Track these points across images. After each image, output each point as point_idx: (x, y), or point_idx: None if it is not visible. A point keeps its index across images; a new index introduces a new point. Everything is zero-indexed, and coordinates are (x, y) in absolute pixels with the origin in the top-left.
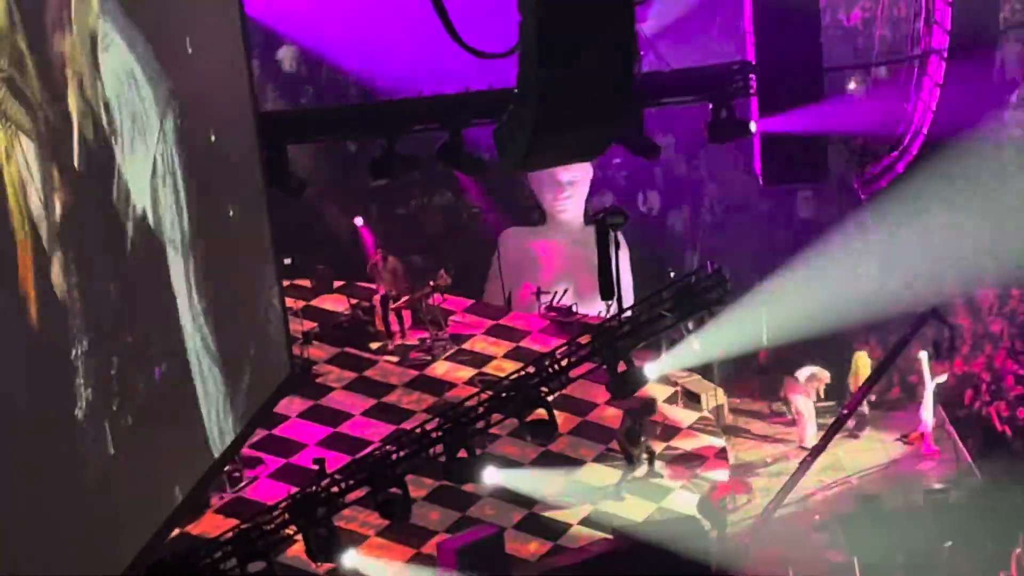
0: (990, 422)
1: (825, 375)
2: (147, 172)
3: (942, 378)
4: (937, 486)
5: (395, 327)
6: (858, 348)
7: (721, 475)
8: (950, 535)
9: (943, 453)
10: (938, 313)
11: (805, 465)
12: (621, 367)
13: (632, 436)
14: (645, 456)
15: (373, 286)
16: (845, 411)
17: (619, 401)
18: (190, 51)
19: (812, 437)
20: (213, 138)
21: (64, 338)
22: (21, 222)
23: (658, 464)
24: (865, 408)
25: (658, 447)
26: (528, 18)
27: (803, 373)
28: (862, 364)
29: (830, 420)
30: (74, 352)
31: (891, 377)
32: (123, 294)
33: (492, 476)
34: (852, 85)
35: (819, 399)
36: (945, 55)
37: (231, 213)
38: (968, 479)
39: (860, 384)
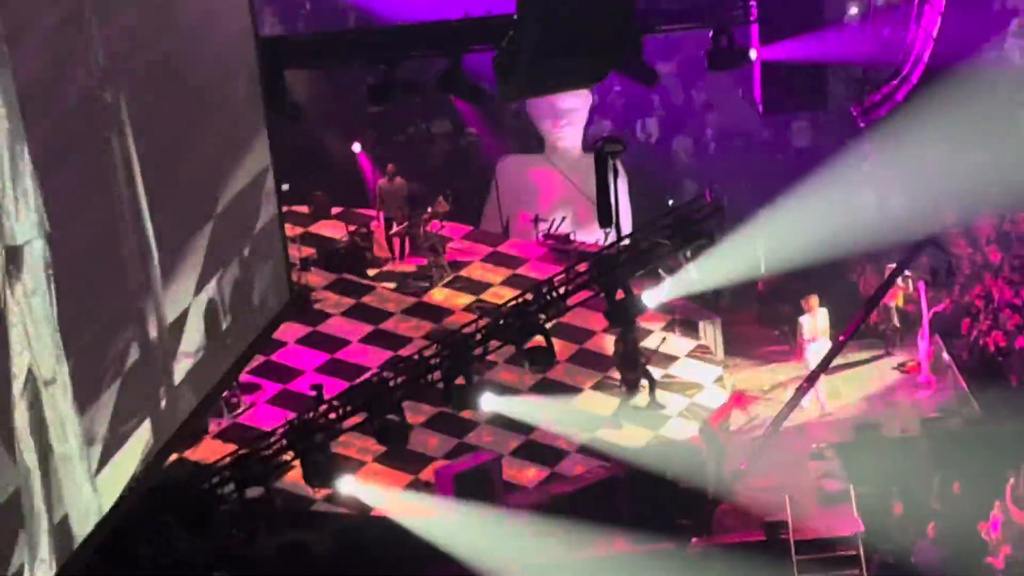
0: (987, 351)
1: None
2: None
3: (940, 307)
4: (934, 415)
5: (396, 250)
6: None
7: (718, 401)
8: (946, 464)
9: (940, 382)
10: (936, 241)
11: (801, 392)
12: (619, 295)
13: (627, 361)
14: (645, 384)
15: (372, 212)
16: (841, 338)
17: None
18: None
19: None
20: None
21: None
22: None
23: (658, 392)
24: (895, 320)
25: (656, 375)
26: None
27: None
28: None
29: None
30: None
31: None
32: None
33: (490, 403)
34: (852, 12)
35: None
36: None
37: (226, 142)
38: (965, 408)
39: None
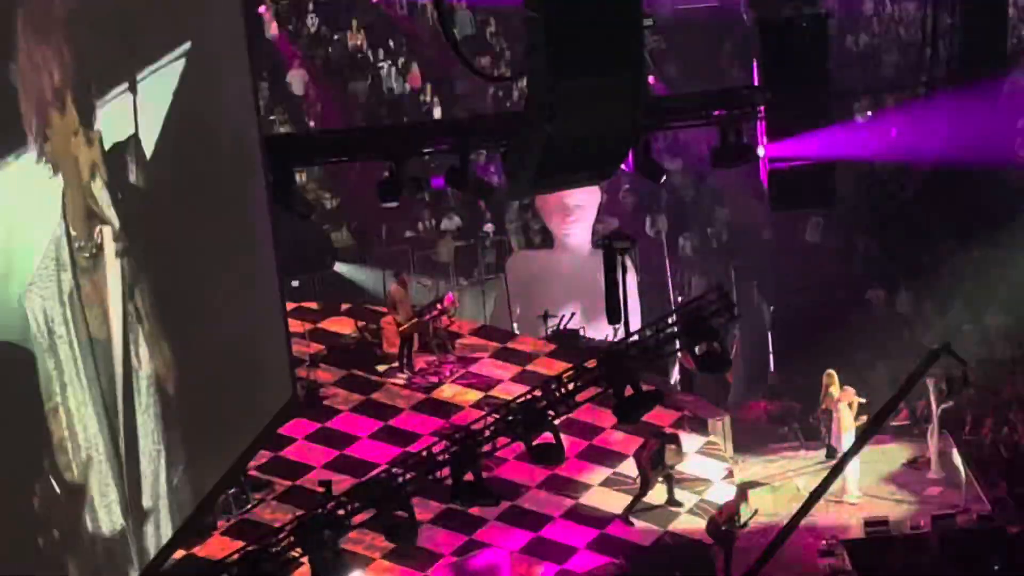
0: (997, 448)
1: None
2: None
3: (948, 404)
4: (944, 512)
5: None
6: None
7: (727, 497)
8: (957, 560)
9: (950, 479)
10: (950, 349)
11: (816, 494)
12: (628, 391)
13: (656, 461)
14: (661, 480)
15: (381, 308)
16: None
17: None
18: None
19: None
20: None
21: None
22: None
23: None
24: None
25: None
26: (538, 41)
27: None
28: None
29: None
30: None
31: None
32: None
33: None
34: (862, 111)
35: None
36: (953, 81)
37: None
38: (975, 505)
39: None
